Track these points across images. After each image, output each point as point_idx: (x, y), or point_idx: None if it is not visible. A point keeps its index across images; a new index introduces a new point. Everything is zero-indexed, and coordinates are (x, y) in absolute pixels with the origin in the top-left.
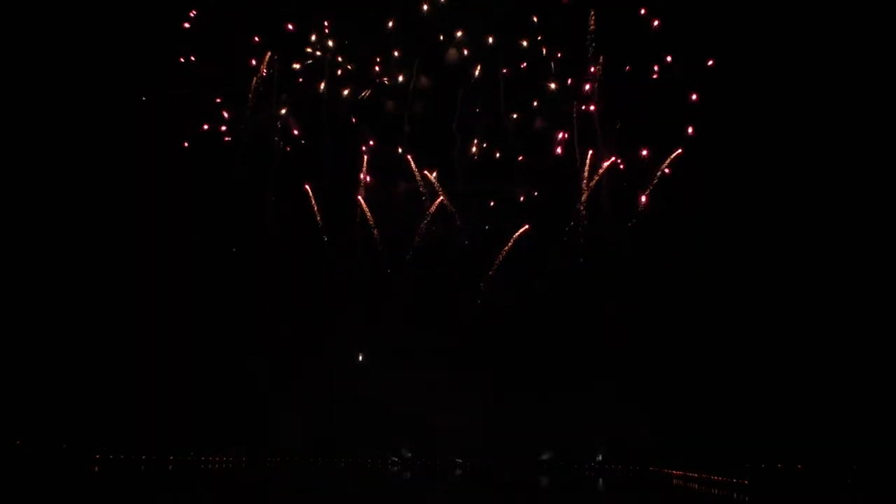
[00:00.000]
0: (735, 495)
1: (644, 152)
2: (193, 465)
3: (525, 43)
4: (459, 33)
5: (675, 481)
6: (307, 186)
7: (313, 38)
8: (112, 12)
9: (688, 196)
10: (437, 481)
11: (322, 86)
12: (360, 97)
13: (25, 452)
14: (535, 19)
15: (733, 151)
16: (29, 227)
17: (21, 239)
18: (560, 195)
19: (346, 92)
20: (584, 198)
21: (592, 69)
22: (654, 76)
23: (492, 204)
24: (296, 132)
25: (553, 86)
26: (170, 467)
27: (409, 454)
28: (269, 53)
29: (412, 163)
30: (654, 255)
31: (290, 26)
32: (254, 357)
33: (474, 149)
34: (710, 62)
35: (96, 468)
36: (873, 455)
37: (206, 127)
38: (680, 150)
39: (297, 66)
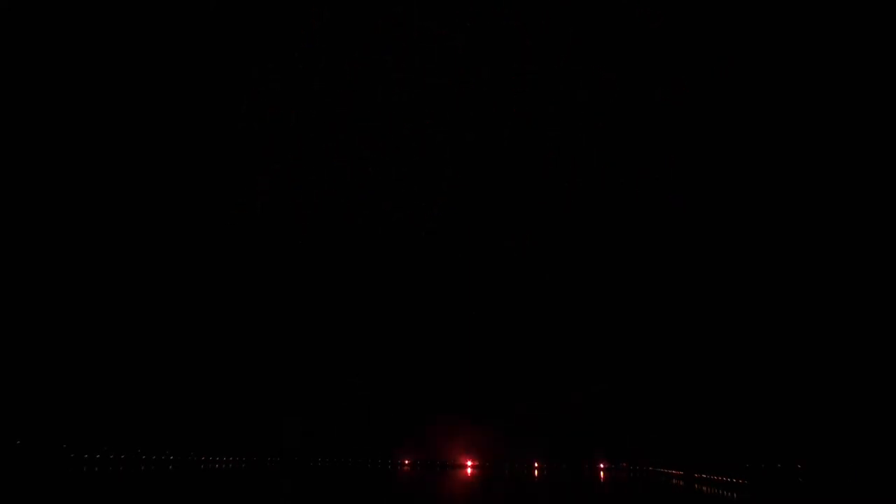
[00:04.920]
0: (735, 495)
1: None
2: (193, 465)
3: None
4: None
5: (675, 481)
6: None
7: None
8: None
9: (685, 199)
10: (438, 481)
11: None
12: None
13: (25, 452)
14: None
15: (729, 153)
16: (30, 229)
17: (21, 242)
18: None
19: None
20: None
21: None
22: None
23: None
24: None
25: None
26: (170, 467)
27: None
28: None
29: None
30: (654, 257)
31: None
32: (255, 359)
33: None
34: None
35: (96, 468)
36: (873, 455)
37: None
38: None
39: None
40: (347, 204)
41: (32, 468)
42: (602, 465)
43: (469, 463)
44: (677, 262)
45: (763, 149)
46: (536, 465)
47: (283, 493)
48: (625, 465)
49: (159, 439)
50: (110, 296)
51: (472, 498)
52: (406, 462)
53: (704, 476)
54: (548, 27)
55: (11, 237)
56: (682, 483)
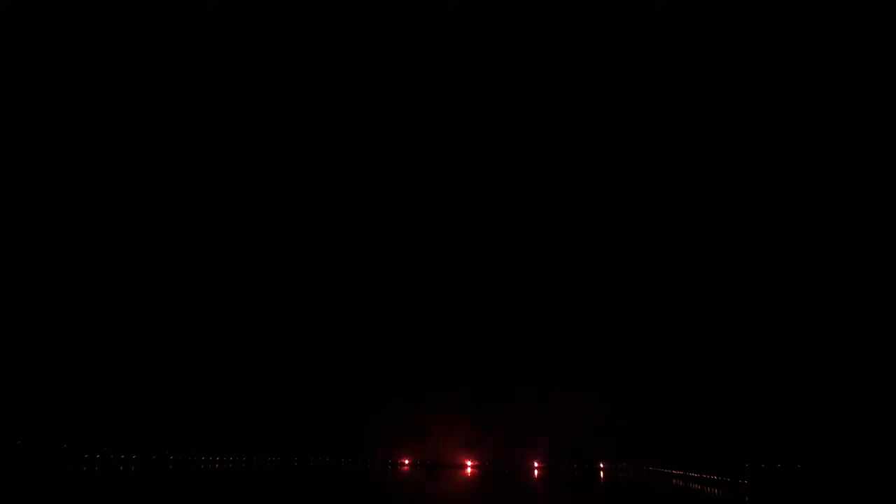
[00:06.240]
0: (735, 495)
1: None
2: (193, 464)
3: None
4: None
5: (675, 481)
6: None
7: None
8: None
9: (685, 199)
10: (438, 480)
11: None
12: None
13: (25, 452)
14: None
15: (718, 157)
16: (30, 229)
17: (21, 242)
18: None
19: None
20: None
21: None
22: None
23: None
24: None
25: None
26: (170, 467)
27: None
28: None
29: None
30: (654, 258)
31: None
32: (255, 359)
33: None
34: None
35: (96, 468)
36: (873, 455)
37: None
38: None
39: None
40: (347, 204)
41: (32, 468)
42: (602, 465)
43: (469, 463)
44: (678, 263)
45: (762, 149)
46: (536, 464)
47: (283, 492)
48: (624, 464)
49: (159, 439)
50: (110, 296)
51: (473, 498)
52: (405, 462)
53: (704, 476)
54: (547, 27)
55: (12, 237)
56: (681, 483)
